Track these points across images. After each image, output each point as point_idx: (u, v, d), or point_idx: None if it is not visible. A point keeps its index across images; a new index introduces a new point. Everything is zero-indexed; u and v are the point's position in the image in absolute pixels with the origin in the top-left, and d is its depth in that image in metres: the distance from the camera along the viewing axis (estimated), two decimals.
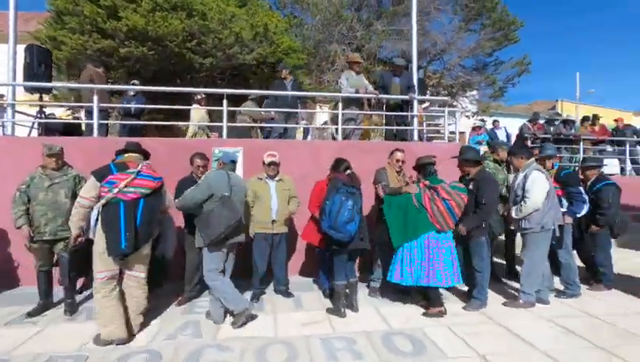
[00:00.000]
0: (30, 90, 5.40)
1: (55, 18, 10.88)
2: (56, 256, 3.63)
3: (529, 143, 8.14)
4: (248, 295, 4.13)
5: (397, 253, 3.68)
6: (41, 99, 5.42)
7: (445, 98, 6.07)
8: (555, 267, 4.15)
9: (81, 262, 3.21)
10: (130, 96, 6.85)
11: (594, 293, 4.24)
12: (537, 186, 3.71)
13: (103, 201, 2.94)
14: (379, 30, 14.44)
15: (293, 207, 4.18)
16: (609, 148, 9.11)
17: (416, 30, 6.24)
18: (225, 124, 5.11)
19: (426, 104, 6.43)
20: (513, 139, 8.99)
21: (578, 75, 25.82)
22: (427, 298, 3.68)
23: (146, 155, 3.36)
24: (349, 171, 3.76)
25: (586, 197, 4.17)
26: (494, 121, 9.69)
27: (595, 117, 9.10)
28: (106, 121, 5.52)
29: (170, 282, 3.88)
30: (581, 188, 4.22)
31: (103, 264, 2.98)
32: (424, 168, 3.79)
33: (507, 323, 3.37)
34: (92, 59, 7.33)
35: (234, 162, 3.77)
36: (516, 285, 4.13)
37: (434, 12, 14.23)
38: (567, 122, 8.75)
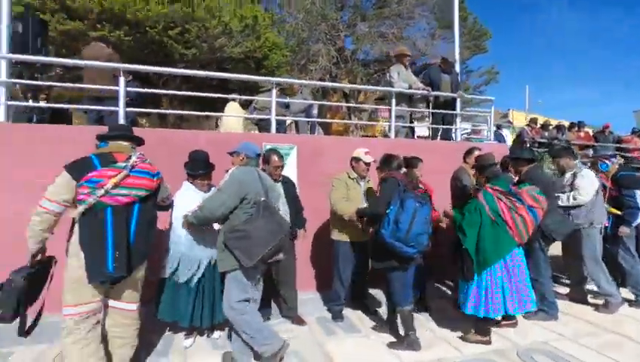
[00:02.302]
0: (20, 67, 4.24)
1: None
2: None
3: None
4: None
5: (474, 279, 3.01)
6: (34, 78, 4.30)
7: (492, 98, 5.96)
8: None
9: (35, 289, 2.24)
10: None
11: None
12: (588, 181, 3.81)
13: (82, 208, 2.12)
14: (363, 31, 14.35)
15: None
16: (590, 153, 9.80)
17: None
18: (273, 117, 4.46)
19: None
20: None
21: (527, 88, 28.09)
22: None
23: (138, 142, 2.50)
24: (404, 170, 3.29)
25: None
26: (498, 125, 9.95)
27: (580, 124, 9.76)
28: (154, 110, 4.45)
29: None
30: (637, 193, 4.16)
31: (77, 295, 2.14)
32: (486, 170, 3.20)
33: (619, 330, 3.23)
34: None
35: (259, 156, 2.94)
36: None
37: (417, 17, 14.49)
38: (559, 128, 9.22)
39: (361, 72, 15.08)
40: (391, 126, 4.90)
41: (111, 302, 2.33)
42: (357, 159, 3.53)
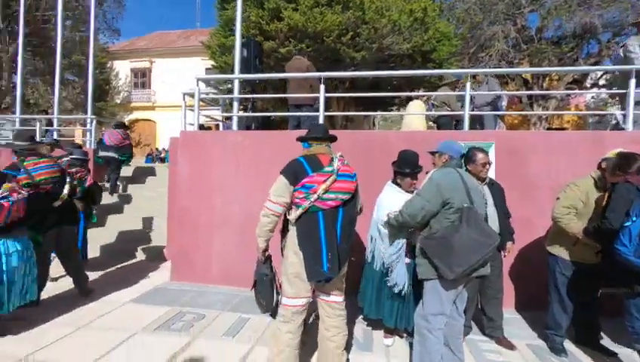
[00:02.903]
0: (243, 84, 5.30)
1: (223, 27, 11.61)
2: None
3: None
4: None
5: None
6: (253, 92, 5.30)
7: None
8: None
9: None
10: None
11: None
12: None
13: (299, 211, 2.26)
14: (556, 2, 11.93)
15: None
16: None
17: None
18: (467, 112, 4.11)
19: None
20: None
21: None
22: None
23: (332, 140, 2.53)
24: None
25: None
26: None
27: None
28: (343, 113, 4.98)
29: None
30: None
31: (296, 288, 2.33)
32: None
33: None
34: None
35: (463, 156, 2.71)
36: None
37: None
38: None
39: (551, 52, 12.63)
40: (627, 115, 3.76)
41: (322, 296, 2.47)
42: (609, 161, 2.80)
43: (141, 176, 7.79)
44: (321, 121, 4.21)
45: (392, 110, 13.66)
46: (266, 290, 2.38)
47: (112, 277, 4.50)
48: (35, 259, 3.16)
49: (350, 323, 3.22)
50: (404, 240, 2.79)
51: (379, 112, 12.88)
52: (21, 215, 2.97)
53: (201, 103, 5.30)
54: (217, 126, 7.67)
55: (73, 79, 16.52)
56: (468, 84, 4.07)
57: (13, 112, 10.53)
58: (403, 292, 2.78)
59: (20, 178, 3.24)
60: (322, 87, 4.22)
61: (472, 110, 5.84)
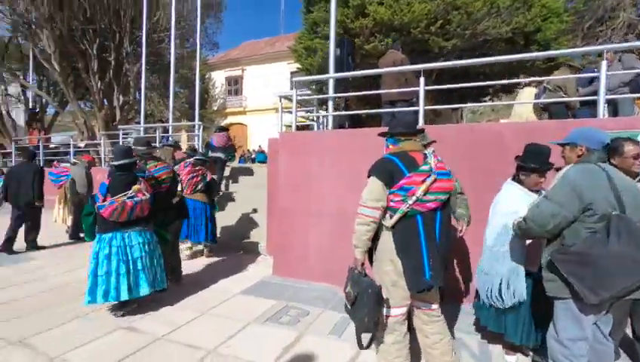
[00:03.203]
0: (335, 82, 5.35)
1: (308, 30, 11.91)
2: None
3: None
4: None
5: None
6: (345, 90, 5.32)
7: None
8: None
9: None
10: None
11: None
12: None
13: (397, 216, 2.07)
14: None
15: None
16: None
17: None
18: (602, 96, 3.47)
19: None
20: None
21: None
22: None
23: (417, 133, 2.37)
24: None
25: None
26: None
27: None
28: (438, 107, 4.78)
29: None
30: None
31: (395, 297, 2.20)
32: None
33: None
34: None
35: (607, 148, 2.17)
36: None
37: None
38: None
39: None
40: None
41: (420, 305, 2.29)
42: None
43: (238, 175, 8.45)
44: (420, 117, 3.97)
45: (484, 101, 12.50)
46: (370, 305, 2.07)
47: (218, 268, 4.93)
48: (159, 252, 3.58)
49: (462, 334, 3.00)
50: (524, 259, 2.44)
51: (487, 103, 11.89)
52: (145, 213, 3.38)
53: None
54: (308, 126, 7.91)
55: (179, 90, 18.73)
56: (603, 63, 3.43)
57: (137, 122, 12.34)
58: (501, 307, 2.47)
59: (147, 179, 3.71)
60: (422, 80, 4.00)
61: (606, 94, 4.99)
